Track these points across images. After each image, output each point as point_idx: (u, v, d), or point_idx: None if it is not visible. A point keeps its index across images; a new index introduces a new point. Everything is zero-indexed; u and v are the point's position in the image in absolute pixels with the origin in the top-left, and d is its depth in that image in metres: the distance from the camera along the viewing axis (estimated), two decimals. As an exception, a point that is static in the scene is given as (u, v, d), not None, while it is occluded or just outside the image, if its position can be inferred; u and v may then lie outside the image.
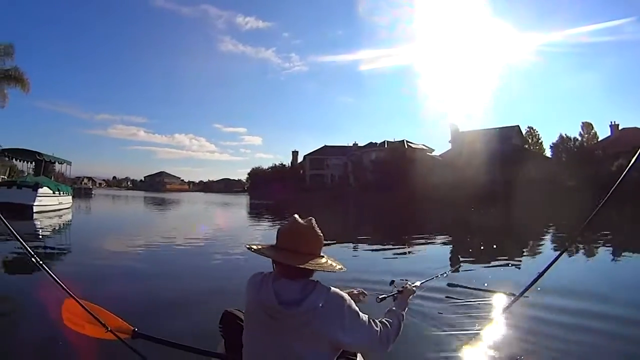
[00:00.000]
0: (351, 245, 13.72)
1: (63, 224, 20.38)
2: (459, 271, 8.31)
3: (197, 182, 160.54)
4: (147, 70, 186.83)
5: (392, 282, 2.98)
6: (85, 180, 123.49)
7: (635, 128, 53.93)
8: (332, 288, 2.03)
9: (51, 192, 25.20)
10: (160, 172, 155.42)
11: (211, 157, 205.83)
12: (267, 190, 75.43)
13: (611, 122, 58.93)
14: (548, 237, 17.48)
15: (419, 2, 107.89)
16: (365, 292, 2.97)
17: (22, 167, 34.01)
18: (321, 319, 1.92)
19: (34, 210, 22.12)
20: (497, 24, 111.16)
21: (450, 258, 12.02)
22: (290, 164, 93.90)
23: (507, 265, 10.22)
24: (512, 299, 5.07)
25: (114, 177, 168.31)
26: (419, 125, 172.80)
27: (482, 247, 12.44)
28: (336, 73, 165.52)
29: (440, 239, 16.49)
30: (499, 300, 6.26)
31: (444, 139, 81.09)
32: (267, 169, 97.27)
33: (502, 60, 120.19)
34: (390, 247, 13.73)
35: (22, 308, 5.90)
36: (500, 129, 62.20)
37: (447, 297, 6.55)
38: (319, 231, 2.18)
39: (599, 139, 58.82)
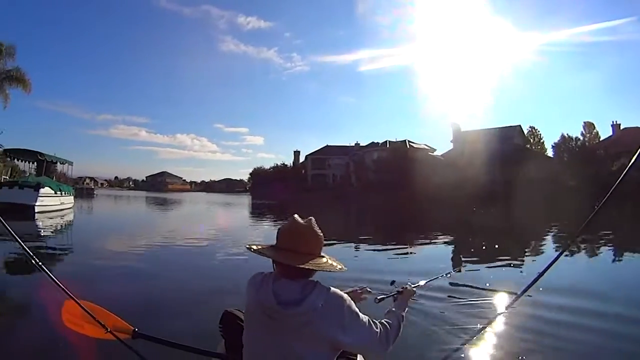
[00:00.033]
0: (353, 245, 13.71)
1: (65, 224, 20.39)
2: (461, 271, 8.32)
3: (199, 182, 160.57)
4: (148, 71, 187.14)
5: (393, 282, 2.97)
6: (87, 181, 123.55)
7: (637, 128, 53.69)
8: (332, 288, 2.02)
9: (53, 192, 25.22)
10: (162, 172, 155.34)
11: (213, 157, 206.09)
12: (269, 190, 75.41)
13: (613, 122, 59.02)
14: (550, 237, 17.43)
15: (420, 1, 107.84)
16: (369, 289, 2.96)
17: (24, 168, 34.10)
18: (321, 319, 1.91)
19: (36, 211, 22.15)
20: (498, 23, 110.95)
21: (452, 258, 12.00)
22: (292, 164, 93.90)
23: (509, 265, 10.20)
24: (514, 298, 5.07)
25: (116, 177, 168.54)
26: (420, 125, 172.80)
27: (484, 247, 12.44)
28: (338, 73, 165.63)
29: (442, 239, 16.45)
30: (500, 300, 6.28)
31: (446, 138, 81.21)
32: (269, 169, 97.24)
33: (504, 59, 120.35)
34: (392, 247, 13.69)
35: (22, 309, 5.90)
36: (502, 128, 62.09)
37: (449, 296, 6.55)
38: (319, 231, 2.16)
39: (601, 139, 58.65)
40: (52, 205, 24.69)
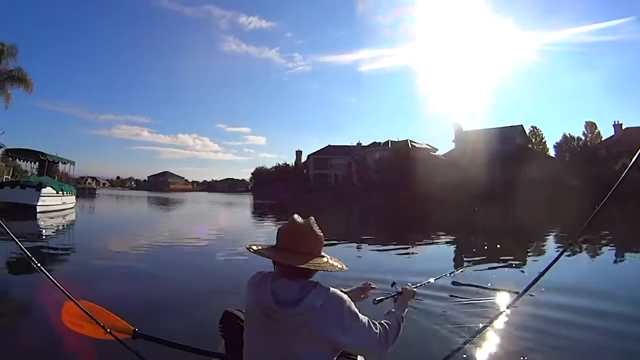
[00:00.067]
0: (354, 245, 13.72)
1: (66, 223, 20.42)
2: (463, 271, 8.32)
3: (201, 181, 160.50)
4: (150, 71, 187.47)
5: (394, 284, 2.95)
6: (89, 180, 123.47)
7: (639, 127, 53.71)
8: (332, 289, 2.01)
9: (54, 192, 25.25)
10: (164, 172, 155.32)
11: (215, 157, 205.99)
12: (270, 190, 75.50)
13: (614, 122, 58.92)
14: (551, 237, 17.41)
15: (421, 1, 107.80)
16: (373, 285, 2.95)
17: (26, 167, 34.20)
18: (319, 319, 1.90)
19: (38, 210, 22.17)
20: (498, 23, 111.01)
21: (454, 258, 11.98)
22: (294, 164, 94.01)
23: (511, 265, 10.19)
24: (515, 297, 5.08)
25: (118, 177, 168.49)
26: (422, 125, 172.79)
27: (486, 247, 12.41)
28: (340, 73, 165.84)
29: (444, 239, 16.43)
30: (502, 299, 6.32)
31: (447, 138, 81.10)
32: (271, 168, 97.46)
33: (505, 59, 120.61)
34: (394, 247, 13.67)
35: (22, 309, 5.90)
36: (503, 128, 62.16)
37: (451, 295, 6.57)
38: (318, 230, 2.15)
39: (603, 139, 58.64)
40: (54, 205, 24.72)
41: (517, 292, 5.61)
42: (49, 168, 29.03)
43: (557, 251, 10.64)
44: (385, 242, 14.93)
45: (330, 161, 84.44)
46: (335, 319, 1.93)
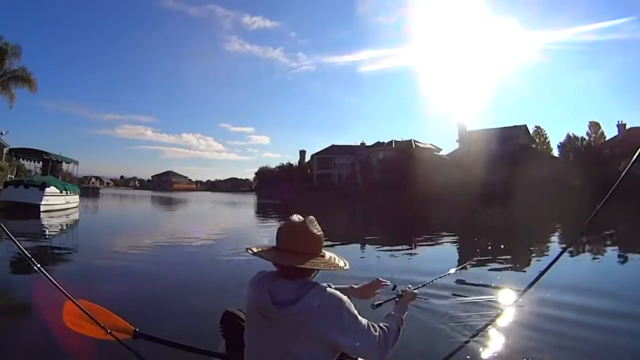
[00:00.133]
0: (358, 245, 13.76)
1: (69, 223, 20.50)
2: (467, 268, 8.30)
3: (205, 181, 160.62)
4: (154, 70, 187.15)
5: (395, 287, 2.93)
6: (93, 180, 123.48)
7: (643, 127, 53.66)
8: (331, 290, 2.00)
9: (58, 191, 25.35)
10: (168, 171, 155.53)
11: (219, 157, 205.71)
12: (274, 189, 75.68)
13: (618, 122, 58.69)
14: (555, 236, 17.43)
15: (425, 1, 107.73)
16: (384, 282, 2.92)
17: (30, 167, 34.36)
18: (317, 319, 1.88)
19: (41, 210, 22.27)
20: (501, 22, 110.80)
21: (458, 259, 11.99)
22: (297, 164, 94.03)
23: (515, 264, 10.24)
24: (517, 296, 5.10)
25: (122, 177, 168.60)
26: (425, 125, 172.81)
27: (489, 247, 12.40)
28: (343, 72, 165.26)
29: (448, 239, 16.44)
30: (505, 298, 6.40)
31: (451, 138, 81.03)
32: (275, 168, 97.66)
33: (509, 59, 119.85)
34: (398, 247, 13.66)
35: (23, 310, 5.90)
36: (507, 128, 62.13)
37: (454, 294, 6.64)
38: (316, 230, 2.13)
39: (606, 139, 58.47)
40: (58, 204, 24.80)
41: (519, 291, 5.63)
42: (52, 167, 29.17)
43: (560, 250, 10.65)
44: (389, 243, 14.93)
45: (334, 161, 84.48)
46: (333, 319, 1.92)
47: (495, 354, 4.34)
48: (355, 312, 2.01)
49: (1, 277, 7.97)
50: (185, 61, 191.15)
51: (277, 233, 2.16)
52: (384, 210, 39.06)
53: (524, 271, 9.61)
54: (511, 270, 9.58)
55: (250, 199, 65.53)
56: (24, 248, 3.28)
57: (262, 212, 36.26)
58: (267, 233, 17.84)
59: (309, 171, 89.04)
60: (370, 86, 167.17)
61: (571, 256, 11.11)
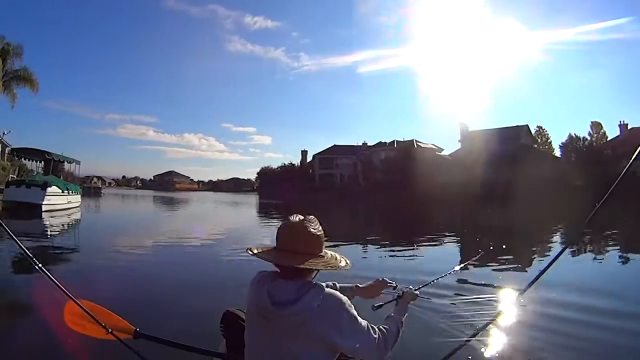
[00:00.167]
0: (360, 245, 13.73)
1: (71, 223, 20.54)
2: (468, 268, 8.31)
3: (207, 181, 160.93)
4: (156, 70, 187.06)
5: (395, 287, 2.92)
6: (95, 180, 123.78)
7: (645, 128, 53.58)
8: (331, 290, 1.99)
9: (60, 191, 25.38)
10: (170, 171, 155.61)
11: (220, 157, 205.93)
12: (276, 189, 75.73)
13: (620, 122, 58.60)
14: (557, 236, 17.43)
15: (426, 1, 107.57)
16: (390, 282, 2.92)
17: (31, 166, 34.51)
18: (316, 320, 1.88)
19: (43, 209, 22.29)
20: (504, 22, 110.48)
21: (460, 258, 11.99)
22: (299, 164, 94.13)
23: (517, 264, 10.25)
24: (518, 294, 5.11)
25: (124, 177, 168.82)
26: (427, 125, 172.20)
27: (491, 247, 12.38)
28: (345, 73, 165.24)
29: (450, 239, 16.44)
30: (506, 297, 6.40)
31: (452, 138, 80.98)
32: (277, 168, 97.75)
33: (511, 59, 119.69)
34: (400, 247, 13.70)
35: (25, 309, 5.90)
36: (509, 128, 62.06)
37: (456, 294, 6.67)
38: (317, 230, 2.12)
39: (608, 139, 58.37)
40: (60, 204, 24.84)
41: (521, 290, 5.64)
42: (54, 167, 29.18)
43: (560, 249, 10.68)
44: (391, 242, 14.94)
45: (336, 161, 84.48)
46: (332, 320, 1.91)
47: (497, 353, 4.35)
48: (355, 313, 2.00)
49: (3, 276, 7.96)
50: (187, 61, 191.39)
51: (277, 233, 2.16)
52: (386, 210, 39.08)
53: (526, 270, 9.63)
54: (513, 269, 9.59)
55: (252, 199, 65.54)
56: (26, 248, 3.29)
57: (264, 212, 36.25)
58: (268, 233, 17.79)
59: (310, 171, 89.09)
60: (372, 86, 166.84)
61: (573, 256, 11.14)
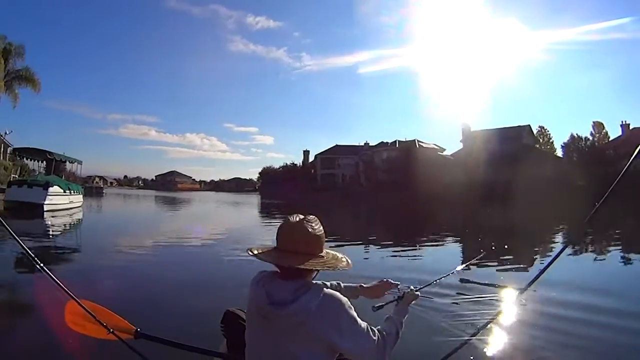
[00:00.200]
0: (362, 246, 13.73)
1: (73, 222, 20.57)
2: (470, 268, 8.31)
3: (209, 181, 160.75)
4: (158, 70, 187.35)
5: (397, 287, 2.92)
6: (97, 179, 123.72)
7: (647, 128, 53.49)
8: (330, 291, 1.98)
9: (62, 191, 25.41)
10: (172, 171, 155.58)
11: (222, 157, 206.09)
12: (278, 189, 75.81)
13: (622, 122, 58.51)
14: (559, 236, 17.42)
15: (427, 1, 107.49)
16: (392, 281, 2.91)
17: (33, 166, 34.51)
18: (315, 320, 1.87)
19: (45, 209, 22.32)
20: (506, 22, 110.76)
21: (461, 259, 11.97)
22: (301, 164, 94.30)
23: (519, 263, 10.29)
24: (519, 293, 5.12)
25: (125, 176, 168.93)
26: (429, 125, 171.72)
27: (493, 247, 12.37)
28: (346, 73, 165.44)
29: (452, 239, 16.46)
30: (508, 296, 6.46)
31: (454, 138, 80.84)
32: (278, 168, 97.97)
33: (512, 59, 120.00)
34: (402, 247, 13.68)
35: (26, 309, 5.91)
36: (511, 128, 62.02)
37: (457, 293, 6.68)
38: (317, 229, 2.11)
39: (610, 139, 58.25)
40: (61, 203, 24.86)
41: (522, 289, 5.66)
42: (56, 167, 29.22)
43: (561, 248, 10.69)
44: (393, 243, 14.90)
45: (338, 161, 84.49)
46: (332, 321, 1.90)
47: (498, 352, 4.37)
48: (355, 314, 1.99)
49: (5, 276, 7.96)
50: (189, 61, 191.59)
51: (277, 233, 2.15)
52: (388, 210, 39.04)
53: (528, 270, 9.65)
54: (515, 269, 9.60)
55: (254, 199, 65.53)
56: (28, 248, 3.29)
57: (266, 212, 36.24)
58: (270, 233, 17.74)
59: (312, 171, 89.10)
60: (373, 86, 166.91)
61: (575, 255, 11.14)
